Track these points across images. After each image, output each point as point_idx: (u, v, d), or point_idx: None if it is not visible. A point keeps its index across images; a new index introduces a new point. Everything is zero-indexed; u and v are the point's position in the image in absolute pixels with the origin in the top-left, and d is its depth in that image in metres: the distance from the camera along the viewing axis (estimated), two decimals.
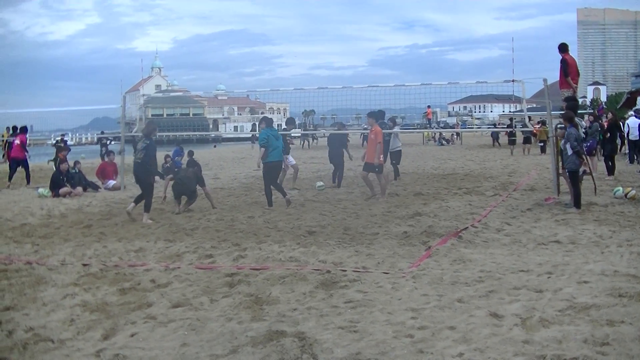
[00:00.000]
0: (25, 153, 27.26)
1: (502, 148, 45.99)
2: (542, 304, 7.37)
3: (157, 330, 7.07)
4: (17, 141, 27.12)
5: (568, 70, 17.04)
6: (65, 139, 42.15)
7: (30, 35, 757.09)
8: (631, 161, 27.31)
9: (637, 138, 26.24)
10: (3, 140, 35.03)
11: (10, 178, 25.71)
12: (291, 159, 21.22)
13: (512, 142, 40.44)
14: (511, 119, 48.85)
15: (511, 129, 38.02)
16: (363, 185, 19.48)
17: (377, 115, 19.17)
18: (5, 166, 32.33)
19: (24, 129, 28.67)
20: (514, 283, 8.43)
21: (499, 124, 69.41)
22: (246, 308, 7.74)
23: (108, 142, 37.90)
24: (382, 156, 18.05)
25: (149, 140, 15.77)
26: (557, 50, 17.35)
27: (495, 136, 51.32)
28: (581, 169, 15.24)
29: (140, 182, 15.84)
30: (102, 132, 44.23)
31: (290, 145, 25.45)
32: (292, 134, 21.17)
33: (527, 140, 38.78)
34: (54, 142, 41.76)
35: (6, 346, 6.66)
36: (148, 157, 15.50)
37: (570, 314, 6.97)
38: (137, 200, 15.65)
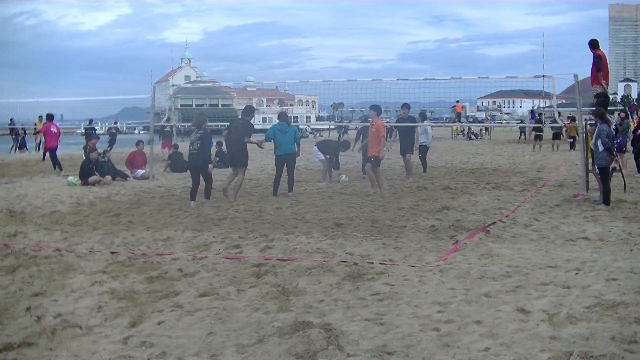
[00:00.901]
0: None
1: (529, 143, 45.82)
2: (570, 300, 7.32)
3: (183, 318, 7.11)
4: (54, 129, 27.42)
5: (601, 65, 16.88)
6: (94, 126, 42.12)
7: (63, 25, 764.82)
8: None
9: None
10: (35, 129, 35.32)
11: (55, 166, 26.01)
12: (319, 154, 21.23)
13: (538, 137, 39.23)
14: (540, 114, 48.18)
15: (539, 125, 37.30)
16: (391, 178, 19.56)
17: (379, 110, 19.17)
18: (36, 154, 32.68)
19: (51, 117, 28.98)
20: (542, 279, 8.39)
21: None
22: (273, 298, 7.77)
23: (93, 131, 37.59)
24: (383, 150, 18.42)
25: (202, 130, 16.34)
26: (588, 46, 17.16)
27: (523, 130, 50.95)
28: (611, 166, 15.12)
29: (200, 170, 16.25)
30: (90, 122, 43.20)
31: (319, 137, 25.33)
32: (316, 127, 21.09)
33: (556, 136, 38.41)
34: (83, 130, 41.81)
35: (35, 331, 6.71)
36: (204, 147, 16.21)
37: (598, 311, 6.92)
38: (192, 196, 16.09)
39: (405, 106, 22.05)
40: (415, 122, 22.09)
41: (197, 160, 16.21)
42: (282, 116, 19.22)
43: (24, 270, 9.40)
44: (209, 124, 18.93)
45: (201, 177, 16.28)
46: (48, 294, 8.16)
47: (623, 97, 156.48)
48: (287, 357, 5.92)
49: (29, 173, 25.70)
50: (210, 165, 16.56)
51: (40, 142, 35.82)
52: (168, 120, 32.90)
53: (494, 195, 17.02)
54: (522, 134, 50.19)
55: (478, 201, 15.96)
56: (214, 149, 28.75)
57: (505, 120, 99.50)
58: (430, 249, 10.51)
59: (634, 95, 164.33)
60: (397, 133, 22.74)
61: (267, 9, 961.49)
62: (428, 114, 33.74)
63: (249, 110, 18.30)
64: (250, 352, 6.07)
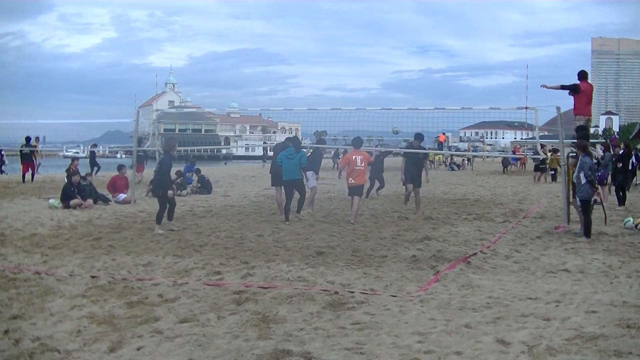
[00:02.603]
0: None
1: (512, 175, 46.07)
2: (550, 332, 7.35)
3: (163, 344, 7.08)
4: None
5: (579, 94, 16.96)
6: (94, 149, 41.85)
7: (47, 48, 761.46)
8: None
9: None
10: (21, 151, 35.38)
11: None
12: (311, 180, 20.67)
13: (538, 169, 38.95)
14: (543, 145, 46.44)
15: (544, 157, 36.10)
16: (376, 208, 19.64)
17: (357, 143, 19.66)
18: (12, 176, 32.64)
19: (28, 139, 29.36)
20: (522, 310, 8.42)
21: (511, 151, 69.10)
22: (253, 326, 7.75)
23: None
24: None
25: (165, 154, 16.47)
26: (577, 77, 17.30)
27: (505, 164, 51.02)
28: (592, 199, 15.21)
29: (157, 194, 16.51)
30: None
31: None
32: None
33: (538, 169, 38.57)
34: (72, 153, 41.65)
35: (13, 355, 6.68)
36: (160, 171, 16.20)
37: (578, 344, 6.95)
38: (158, 220, 16.10)
39: (419, 137, 21.11)
40: (426, 154, 21.63)
41: (154, 183, 16.74)
42: (292, 141, 19.47)
43: (2, 292, 9.36)
44: (191, 148, 19.09)
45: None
46: (27, 317, 8.11)
47: (605, 130, 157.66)
48: None
49: (10, 195, 25.54)
50: (170, 192, 16.22)
51: (39, 164, 35.76)
52: (143, 145, 33.03)
53: (475, 226, 17.07)
54: (505, 168, 50.23)
55: (459, 232, 15.99)
56: (195, 175, 28.86)
57: (487, 151, 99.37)
58: (411, 278, 10.51)
59: (616, 129, 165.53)
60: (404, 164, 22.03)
61: (253, 36, 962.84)
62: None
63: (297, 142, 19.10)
64: None
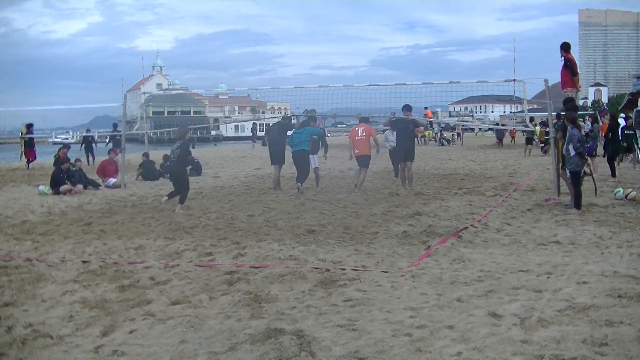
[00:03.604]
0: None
1: (503, 149, 46.12)
2: (541, 304, 7.36)
3: (155, 327, 7.08)
4: None
5: (575, 69, 17.02)
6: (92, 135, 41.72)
7: (33, 34, 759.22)
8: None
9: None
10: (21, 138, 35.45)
11: None
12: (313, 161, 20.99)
13: (529, 142, 38.62)
14: (532, 118, 46.10)
15: (531, 129, 36.04)
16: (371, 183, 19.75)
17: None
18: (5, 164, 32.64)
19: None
20: (513, 283, 8.43)
21: (502, 125, 69.23)
22: (245, 306, 7.75)
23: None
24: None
25: (182, 140, 17.29)
26: (560, 49, 17.23)
27: (499, 136, 51.23)
28: (582, 170, 15.20)
29: (176, 177, 17.03)
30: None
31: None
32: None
33: (528, 141, 38.47)
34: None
35: (5, 342, 6.66)
36: (181, 156, 16.94)
37: (569, 314, 6.97)
38: (171, 195, 16.83)
39: (407, 108, 20.78)
40: (415, 126, 21.48)
41: (174, 168, 17.08)
42: (306, 122, 21.98)
43: None
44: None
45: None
46: (19, 304, 8.09)
47: (594, 102, 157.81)
48: None
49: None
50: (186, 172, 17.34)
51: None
52: (130, 128, 33.11)
53: (466, 201, 17.08)
54: (500, 140, 50.60)
55: (450, 206, 16.00)
56: None
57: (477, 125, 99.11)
58: (402, 254, 10.52)
59: (604, 100, 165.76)
60: (393, 138, 22.24)
61: (239, 16, 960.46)
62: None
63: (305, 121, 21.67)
64: None
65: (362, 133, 19.68)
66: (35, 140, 33.76)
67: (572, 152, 14.81)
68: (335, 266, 9.62)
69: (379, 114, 25.94)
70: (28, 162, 32.36)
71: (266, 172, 26.88)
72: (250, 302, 7.88)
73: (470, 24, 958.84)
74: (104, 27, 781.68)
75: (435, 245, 11.07)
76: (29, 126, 32.66)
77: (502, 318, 6.92)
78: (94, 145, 38.82)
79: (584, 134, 17.82)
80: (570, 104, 16.70)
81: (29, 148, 32.92)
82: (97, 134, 46.93)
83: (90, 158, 36.45)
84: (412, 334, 6.53)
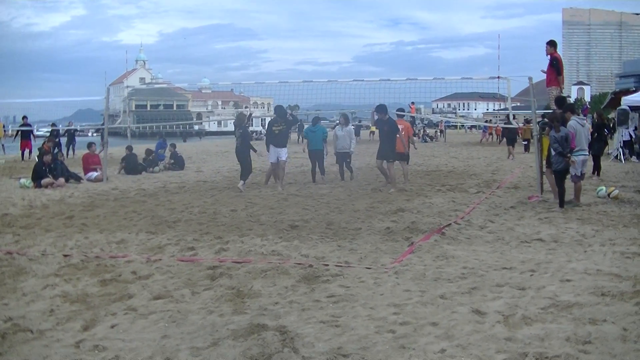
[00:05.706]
0: None
1: (486, 146, 46.23)
2: (525, 302, 7.36)
3: (137, 321, 7.03)
4: None
5: (560, 68, 17.04)
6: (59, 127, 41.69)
7: (15, 27, 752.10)
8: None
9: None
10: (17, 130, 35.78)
11: None
12: (283, 154, 20.27)
13: (511, 142, 35.30)
14: (514, 116, 42.30)
15: (514, 126, 33.49)
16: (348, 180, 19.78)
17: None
18: None
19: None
20: (497, 280, 8.43)
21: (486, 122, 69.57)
22: (227, 301, 7.72)
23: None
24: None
25: (242, 128, 20.00)
26: (547, 45, 17.23)
27: (486, 130, 51.49)
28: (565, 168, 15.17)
29: (242, 160, 19.78)
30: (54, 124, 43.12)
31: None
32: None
33: (510, 142, 37.68)
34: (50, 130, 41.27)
35: None
36: (245, 140, 19.89)
37: (553, 312, 6.97)
38: (243, 177, 19.51)
39: (378, 109, 19.48)
40: (397, 126, 20.73)
41: (240, 152, 19.87)
42: (315, 120, 24.31)
43: None
44: (164, 124, 19.96)
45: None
46: None
47: (576, 100, 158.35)
48: None
49: None
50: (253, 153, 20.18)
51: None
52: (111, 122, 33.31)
53: (449, 198, 17.08)
54: (487, 134, 51.03)
55: (433, 203, 16.00)
56: (168, 152, 28.87)
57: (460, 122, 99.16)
58: (385, 250, 10.50)
59: (587, 99, 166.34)
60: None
61: (224, 11, 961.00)
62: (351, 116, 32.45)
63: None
64: (204, 355, 6.01)
65: (401, 132, 19.81)
66: (30, 132, 34.16)
67: (553, 152, 14.90)
68: (318, 262, 9.60)
69: (363, 109, 25.98)
70: (23, 153, 32.42)
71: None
72: (233, 298, 7.85)
73: (455, 22, 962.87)
74: (87, 20, 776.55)
75: (418, 241, 11.06)
76: (24, 118, 32.90)
77: (486, 315, 6.91)
78: (75, 138, 38.84)
79: (589, 132, 17.84)
80: (567, 105, 16.73)
81: (25, 139, 33.05)
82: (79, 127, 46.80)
83: (71, 152, 36.38)
84: (396, 331, 6.51)
